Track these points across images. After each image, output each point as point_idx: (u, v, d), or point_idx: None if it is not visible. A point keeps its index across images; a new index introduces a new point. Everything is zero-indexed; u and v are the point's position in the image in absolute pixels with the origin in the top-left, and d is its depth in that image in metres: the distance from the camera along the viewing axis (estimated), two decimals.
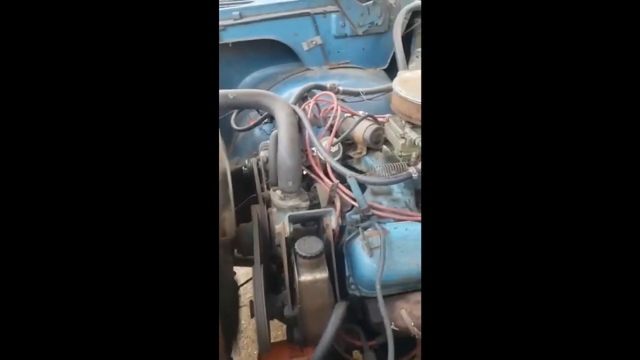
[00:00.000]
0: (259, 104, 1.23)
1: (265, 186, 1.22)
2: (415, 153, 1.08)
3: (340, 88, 1.47)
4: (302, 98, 1.42)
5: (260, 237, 1.06)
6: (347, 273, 0.95)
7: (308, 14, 1.90)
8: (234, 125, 1.55)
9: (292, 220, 0.91)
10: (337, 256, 0.98)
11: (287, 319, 0.93)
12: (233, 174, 1.32)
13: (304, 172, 1.18)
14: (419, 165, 1.01)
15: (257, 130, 1.65)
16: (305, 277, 0.85)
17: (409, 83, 1.14)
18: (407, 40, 2.06)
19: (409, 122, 1.11)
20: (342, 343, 0.99)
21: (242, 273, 1.58)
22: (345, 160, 1.28)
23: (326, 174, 1.15)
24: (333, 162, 1.09)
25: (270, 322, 0.99)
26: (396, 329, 0.89)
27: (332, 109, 1.27)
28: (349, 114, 1.30)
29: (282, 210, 1.07)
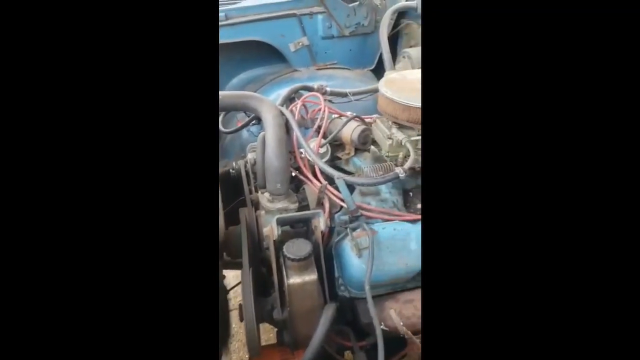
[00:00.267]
0: (246, 106, 1.22)
1: (253, 188, 1.22)
2: (403, 153, 1.09)
3: (328, 89, 1.47)
4: (289, 99, 1.42)
5: (249, 240, 1.05)
6: (336, 274, 0.95)
7: (294, 15, 1.89)
8: (221, 128, 1.54)
9: (280, 222, 0.91)
10: (326, 257, 0.98)
11: (276, 322, 0.93)
12: (221, 176, 1.31)
13: (293, 174, 1.18)
14: (406, 166, 1.02)
15: (245, 132, 1.64)
16: (294, 279, 0.84)
17: (395, 84, 1.15)
18: (393, 40, 2.08)
19: (395, 123, 1.11)
20: (333, 344, 0.99)
21: (232, 276, 1.57)
22: (333, 161, 1.28)
23: (315, 176, 1.14)
24: (321, 164, 1.09)
25: (261, 325, 0.99)
26: (386, 329, 0.89)
27: (320, 110, 1.27)
28: (336, 115, 1.30)
29: (271, 213, 1.07)
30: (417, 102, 1.04)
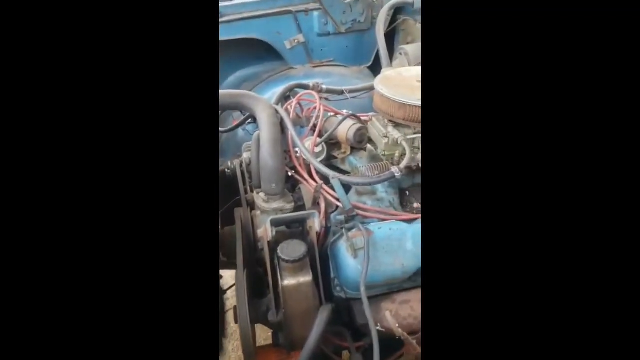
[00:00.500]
0: (241, 105, 1.21)
1: (248, 188, 1.21)
2: (399, 152, 1.07)
3: (324, 87, 1.46)
4: (284, 97, 1.41)
5: (244, 240, 1.04)
6: (332, 275, 0.94)
7: (290, 12, 1.88)
8: None
9: (275, 223, 0.90)
10: (322, 258, 0.97)
11: (272, 324, 0.92)
12: None
13: (289, 174, 1.17)
14: (402, 165, 1.01)
15: (240, 131, 1.63)
16: (288, 281, 0.84)
17: (390, 81, 1.14)
18: (390, 37, 2.06)
19: (391, 121, 1.10)
20: (330, 345, 0.98)
21: (229, 275, 1.56)
22: (329, 160, 1.27)
23: (310, 175, 1.13)
24: (316, 163, 1.08)
25: (259, 325, 0.98)
26: (382, 329, 0.88)
27: (315, 108, 1.26)
28: (332, 113, 1.29)
29: (266, 213, 1.06)
30: (412, 100, 1.03)
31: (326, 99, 1.47)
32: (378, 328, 0.87)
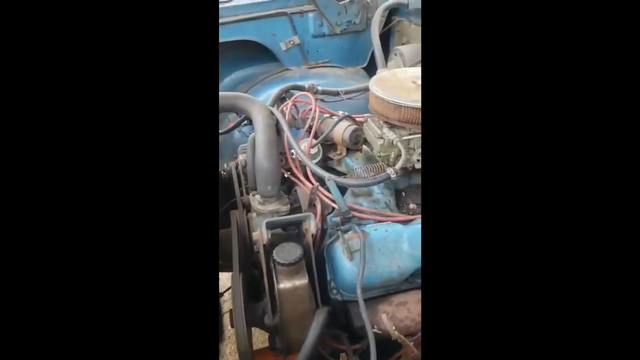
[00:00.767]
0: (236, 107, 1.20)
1: (244, 190, 1.20)
2: (394, 153, 1.07)
3: (319, 88, 1.45)
4: (280, 99, 1.40)
5: (240, 243, 1.04)
6: (328, 277, 0.94)
7: (285, 13, 1.88)
8: None
9: (270, 226, 0.90)
10: (318, 260, 0.96)
11: (268, 328, 0.92)
12: None
13: (286, 175, 1.16)
14: (398, 166, 1.01)
15: (236, 133, 1.62)
16: (284, 284, 0.83)
17: (385, 82, 1.14)
18: (385, 38, 2.06)
19: (386, 122, 1.10)
20: (327, 347, 0.98)
21: (226, 277, 1.56)
22: (325, 162, 1.26)
23: (306, 177, 1.13)
24: (312, 165, 1.08)
25: (256, 328, 0.98)
26: (379, 332, 0.88)
27: (311, 109, 1.26)
28: (327, 115, 1.29)
29: (262, 215, 1.05)
30: (407, 101, 1.02)
31: (322, 100, 1.46)
32: (375, 330, 0.86)
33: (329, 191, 1.03)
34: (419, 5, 1.81)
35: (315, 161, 1.21)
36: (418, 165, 1.07)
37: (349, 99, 1.50)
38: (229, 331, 1.71)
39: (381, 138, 1.09)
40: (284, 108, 1.29)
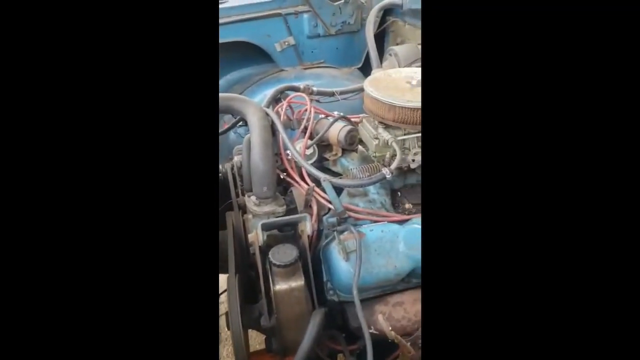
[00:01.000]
0: (231, 109, 1.20)
1: (240, 192, 1.20)
2: (389, 153, 1.07)
3: (314, 89, 1.45)
4: (275, 100, 1.40)
5: (236, 245, 1.03)
6: (324, 278, 0.94)
7: (279, 14, 1.88)
8: None
9: (265, 228, 0.89)
10: (314, 261, 0.96)
11: (264, 330, 0.91)
12: None
13: (282, 176, 1.16)
14: (393, 166, 1.01)
15: (232, 134, 1.62)
16: (280, 286, 0.83)
17: (380, 83, 1.14)
18: (380, 38, 2.07)
19: (381, 123, 1.10)
20: (325, 348, 0.97)
21: (222, 279, 1.55)
22: (321, 162, 1.26)
23: (302, 178, 1.13)
24: (307, 166, 1.08)
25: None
26: (376, 332, 0.88)
27: (306, 110, 1.26)
28: (323, 115, 1.29)
29: (258, 217, 1.05)
30: (401, 101, 1.03)
31: (317, 100, 1.46)
32: (372, 331, 0.86)
33: (324, 192, 1.03)
34: (413, 5, 1.82)
35: (310, 162, 1.20)
36: (413, 165, 1.07)
37: (344, 99, 1.50)
38: (225, 333, 1.70)
39: (376, 138, 1.09)
40: (279, 109, 1.29)
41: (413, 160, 1.06)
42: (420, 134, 1.08)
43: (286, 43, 1.92)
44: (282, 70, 1.96)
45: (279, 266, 0.82)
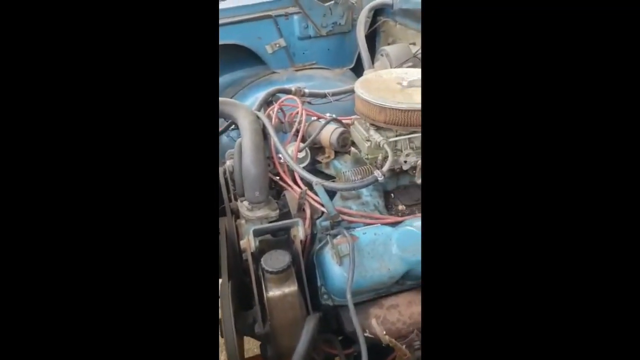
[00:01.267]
0: (222, 113, 1.19)
1: (232, 197, 1.19)
2: (382, 155, 1.07)
3: (306, 90, 1.45)
4: (266, 103, 1.39)
5: (230, 250, 1.02)
6: (319, 283, 0.93)
7: (270, 16, 1.87)
8: None
9: (257, 234, 0.89)
10: (308, 266, 0.96)
11: (258, 336, 0.91)
12: None
13: (277, 178, 1.15)
14: (385, 168, 1.00)
15: (224, 137, 1.61)
16: (273, 292, 0.82)
17: (370, 84, 1.13)
18: (371, 38, 2.06)
19: (373, 125, 1.09)
20: (321, 352, 0.97)
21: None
22: (314, 165, 1.26)
23: (295, 181, 1.12)
24: (299, 169, 1.07)
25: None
26: (371, 336, 0.88)
27: (298, 113, 1.25)
28: (315, 118, 1.28)
29: (251, 222, 1.04)
30: (392, 103, 1.02)
31: (309, 102, 1.46)
32: (367, 334, 0.86)
33: (318, 195, 1.02)
34: (403, 5, 1.82)
35: (303, 165, 1.20)
36: (405, 167, 1.07)
37: (337, 100, 1.49)
38: (220, 339, 1.69)
39: (368, 140, 1.08)
40: (271, 112, 1.28)
41: (405, 162, 1.06)
42: (411, 135, 1.07)
43: (277, 45, 1.92)
44: (273, 72, 1.95)
45: (271, 272, 0.81)
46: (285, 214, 1.07)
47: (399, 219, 1.01)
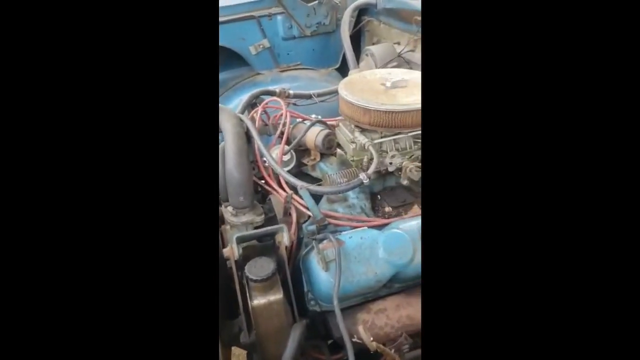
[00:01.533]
0: None
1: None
2: (367, 157, 1.06)
3: (291, 92, 1.43)
4: (250, 105, 1.37)
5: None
6: (305, 288, 0.92)
7: (253, 17, 1.84)
8: None
9: (240, 241, 0.87)
10: (294, 271, 0.94)
11: (244, 346, 0.89)
12: None
13: (261, 183, 1.13)
14: (370, 170, 0.99)
15: None
16: (258, 300, 0.80)
17: (354, 85, 1.12)
18: (356, 38, 2.05)
19: (358, 126, 1.08)
20: (310, 358, 0.96)
21: None
22: (299, 168, 1.24)
23: (280, 185, 1.10)
24: (283, 173, 1.05)
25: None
26: (359, 341, 0.86)
27: (282, 115, 1.23)
28: (300, 119, 1.27)
29: (236, 227, 1.02)
30: (376, 104, 1.01)
31: (294, 104, 1.44)
32: (355, 340, 0.85)
33: (303, 199, 1.00)
34: (387, 4, 1.81)
35: (288, 168, 1.18)
36: (391, 168, 1.06)
37: (322, 101, 1.48)
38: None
39: (353, 142, 1.07)
40: (254, 114, 1.26)
41: (390, 163, 1.05)
42: (396, 137, 1.07)
43: (261, 46, 1.89)
44: (258, 73, 1.93)
45: (255, 281, 0.79)
46: (271, 219, 1.05)
47: (386, 221, 1.00)
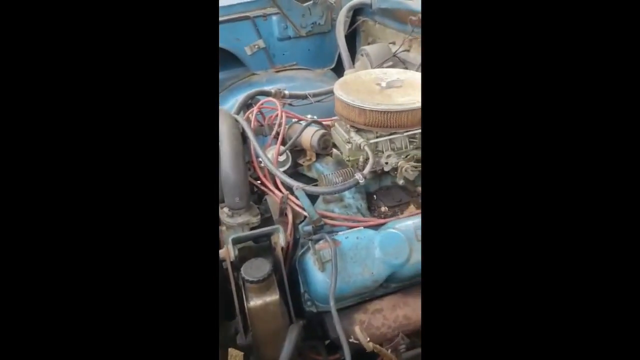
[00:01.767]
0: None
1: None
2: (362, 157, 1.06)
3: (287, 92, 1.43)
4: (245, 106, 1.36)
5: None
6: (302, 289, 0.91)
7: (248, 17, 1.84)
8: None
9: (236, 242, 0.86)
10: (291, 272, 0.94)
11: (241, 347, 0.88)
12: None
13: (257, 183, 1.13)
14: (366, 170, 0.99)
15: None
16: (254, 302, 0.80)
17: (349, 86, 1.12)
18: (351, 38, 2.05)
19: (353, 126, 1.08)
20: (307, 359, 0.96)
21: None
22: (295, 168, 1.24)
23: (276, 186, 1.10)
24: (279, 173, 1.05)
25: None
26: (356, 342, 0.86)
27: (277, 115, 1.23)
28: (296, 120, 1.26)
29: (232, 228, 1.02)
30: (371, 104, 1.01)
31: (290, 104, 1.44)
32: (352, 340, 0.85)
33: (299, 199, 1.00)
34: (382, 4, 1.81)
35: (284, 168, 1.18)
36: (387, 168, 1.06)
37: (318, 101, 1.47)
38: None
39: (349, 142, 1.07)
40: (250, 115, 1.26)
41: (386, 163, 1.05)
42: (391, 136, 1.07)
43: (256, 46, 1.89)
44: (253, 74, 1.92)
45: (252, 282, 0.79)
46: (267, 219, 1.05)
47: (382, 221, 1.00)
